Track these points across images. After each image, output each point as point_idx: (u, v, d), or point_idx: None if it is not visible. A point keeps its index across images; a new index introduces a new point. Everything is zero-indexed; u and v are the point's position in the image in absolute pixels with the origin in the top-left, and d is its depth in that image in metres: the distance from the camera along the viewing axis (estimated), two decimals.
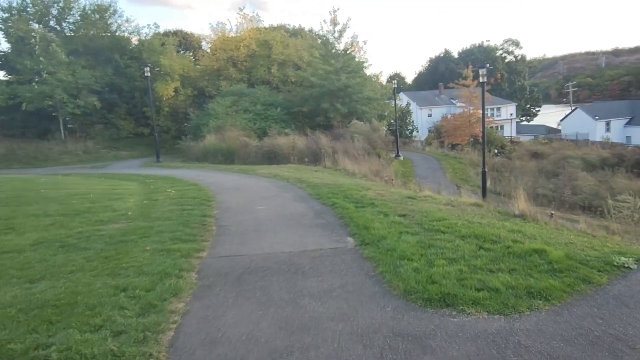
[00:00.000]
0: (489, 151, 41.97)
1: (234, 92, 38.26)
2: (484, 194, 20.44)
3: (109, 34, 40.36)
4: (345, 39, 37.95)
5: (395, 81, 38.20)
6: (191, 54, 48.07)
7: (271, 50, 42.37)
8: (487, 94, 47.71)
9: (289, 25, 54.48)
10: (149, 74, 29.63)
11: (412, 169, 32.06)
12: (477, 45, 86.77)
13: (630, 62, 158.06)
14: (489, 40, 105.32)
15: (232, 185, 15.47)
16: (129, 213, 10.62)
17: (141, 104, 40.85)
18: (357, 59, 37.94)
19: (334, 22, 37.11)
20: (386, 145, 32.64)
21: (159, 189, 14.68)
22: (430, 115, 65.58)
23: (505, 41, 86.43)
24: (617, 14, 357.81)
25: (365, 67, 37.66)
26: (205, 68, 43.54)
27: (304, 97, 37.18)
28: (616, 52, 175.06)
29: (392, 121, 42.21)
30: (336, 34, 37.46)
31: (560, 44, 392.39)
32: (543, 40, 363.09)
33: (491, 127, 49.28)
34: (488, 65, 70.33)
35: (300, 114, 37.58)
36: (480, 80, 20.96)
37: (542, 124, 79.87)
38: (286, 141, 26.24)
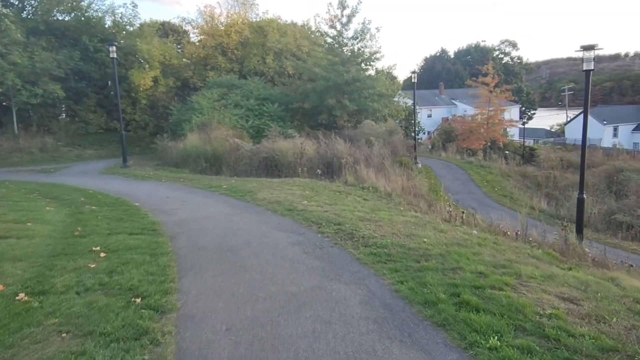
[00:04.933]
0: (505, 158, 35.26)
1: (222, 83, 30.88)
2: (579, 229, 13.53)
3: (77, 12, 32.48)
4: (355, 25, 30.75)
5: (415, 74, 31.07)
6: (174, 38, 40.24)
7: (266, 37, 34.95)
8: (495, 97, 41.34)
9: (285, 20, 47.12)
10: (114, 55, 22.09)
11: (437, 180, 25.07)
12: (473, 45, 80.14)
13: (610, 68, 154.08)
14: (484, 41, 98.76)
15: (222, 236, 8.19)
16: None
17: (115, 94, 32.99)
18: (368, 49, 30.75)
19: (342, 5, 29.85)
20: (408, 151, 25.63)
21: (79, 244, 7.45)
22: (430, 116, 58.78)
23: (502, 42, 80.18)
24: (598, 21, 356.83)
25: (378, 59, 30.49)
26: (190, 56, 35.99)
27: (305, 92, 29.98)
28: (597, 58, 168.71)
29: (397, 121, 35.28)
30: (344, 19, 30.23)
31: (542, 49, 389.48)
32: (526, 45, 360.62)
33: (505, 131, 42.50)
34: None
35: (300, 110, 30.39)
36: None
37: (539, 127, 73.56)
38: (291, 146, 18.96)
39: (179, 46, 40.11)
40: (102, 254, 6.82)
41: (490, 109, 37.51)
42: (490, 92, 37.43)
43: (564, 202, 20.37)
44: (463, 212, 12.09)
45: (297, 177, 17.05)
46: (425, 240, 7.38)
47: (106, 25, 33.44)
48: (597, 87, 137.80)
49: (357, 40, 30.78)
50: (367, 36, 30.51)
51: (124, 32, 33.70)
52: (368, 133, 25.26)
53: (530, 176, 27.48)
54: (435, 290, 5.07)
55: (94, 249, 7.10)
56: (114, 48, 21.87)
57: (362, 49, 30.70)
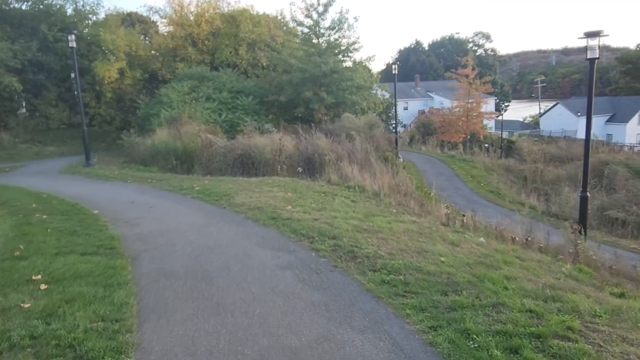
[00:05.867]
0: (486, 151, 34.46)
1: (193, 75, 29.11)
2: (584, 228, 12.44)
3: (35, 0, 30.12)
4: (332, 14, 29.28)
5: (396, 66, 29.86)
6: (141, 28, 37.98)
7: (239, 28, 33.13)
8: (475, 89, 40.53)
9: (258, 11, 45.18)
10: (74, 44, 20.20)
11: (419, 175, 23.93)
12: (447, 37, 79.44)
13: (579, 60, 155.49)
14: (458, 33, 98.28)
15: (195, 256, 6.71)
16: None
17: (76, 87, 30.76)
18: (346, 39, 29.35)
19: None
20: (390, 145, 24.42)
21: (16, 269, 5.92)
22: (406, 109, 57.78)
23: (476, 34, 79.82)
24: (566, 14, 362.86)
25: (357, 49, 29.13)
26: (158, 47, 33.97)
27: (281, 84, 28.45)
28: (565, 51, 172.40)
29: (375, 114, 34.03)
30: (320, 8, 28.73)
31: (512, 41, 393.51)
32: (496, 37, 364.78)
33: (485, 125, 41.71)
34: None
35: (276, 104, 28.86)
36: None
37: (513, 119, 73.45)
38: (269, 142, 17.47)
39: (146, 37, 37.99)
40: (43, 286, 5.36)
41: (470, 100, 36.58)
42: (470, 84, 36.51)
43: (554, 198, 19.46)
44: (464, 215, 10.90)
45: (276, 176, 15.61)
46: (442, 259, 6.09)
47: (67, 14, 31.17)
48: (565, 80, 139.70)
49: (335, 30, 29.33)
50: (345, 26, 29.09)
51: (87, 21, 31.54)
52: (348, 127, 23.94)
53: (513, 170, 26.61)
54: (485, 343, 3.76)
55: (34, 277, 5.63)
56: (73, 37, 20.01)
57: (340, 39, 29.30)
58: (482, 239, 9.28)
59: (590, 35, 12.41)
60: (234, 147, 18.22)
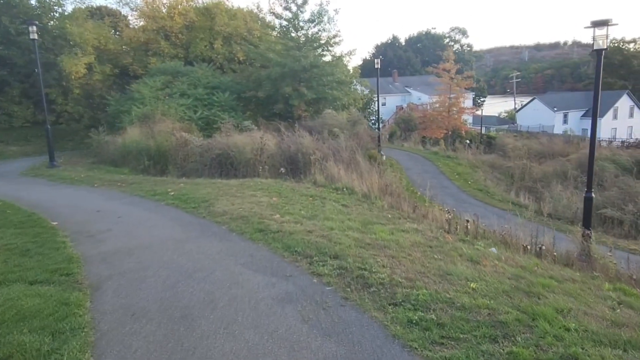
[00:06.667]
0: (469, 147, 33.76)
1: (166, 70, 27.62)
2: (586, 225, 11.56)
3: None
4: (312, 6, 28.20)
5: (378, 60, 28.85)
6: (110, 20, 36.04)
7: (214, 21, 31.68)
8: (456, 84, 39.72)
9: (233, 5, 43.52)
10: (35, 36, 18.57)
11: (404, 173, 22.96)
12: (424, 32, 78.77)
13: (550, 56, 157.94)
14: (435, 28, 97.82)
15: (172, 285, 5.42)
16: None
17: (39, 82, 28.87)
18: (326, 33, 28.22)
19: None
20: (373, 142, 23.38)
21: None
22: (384, 104, 56.73)
23: (452, 29, 79.33)
24: (538, 11, 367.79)
25: (337, 43, 28.03)
26: (129, 41, 32.25)
27: (259, 79, 27.20)
28: (538, 47, 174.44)
29: (355, 109, 32.99)
30: (299, 0, 27.51)
31: (486, 37, 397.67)
32: (471, 33, 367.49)
33: (465, 120, 41.02)
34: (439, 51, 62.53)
35: (254, 100, 27.58)
36: None
37: (490, 114, 73.36)
38: (249, 140, 16.20)
39: (117, 31, 36.13)
40: None
41: (452, 95, 35.80)
42: (452, 79, 35.73)
43: (546, 196, 18.70)
44: (467, 222, 9.90)
45: (258, 178, 14.41)
46: (472, 285, 5.03)
47: (31, 5, 29.23)
48: (538, 75, 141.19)
49: (314, 23, 28.21)
50: (325, 19, 28.00)
51: (52, 14, 29.66)
52: (330, 124, 22.86)
53: (498, 167, 25.88)
54: None
55: None
56: (34, 28, 18.41)
57: (320, 33, 28.17)
58: (493, 249, 8.32)
59: (598, 24, 11.47)
60: (212, 146, 16.93)
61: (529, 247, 8.98)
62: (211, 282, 5.44)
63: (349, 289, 4.98)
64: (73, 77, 27.74)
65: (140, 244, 7.17)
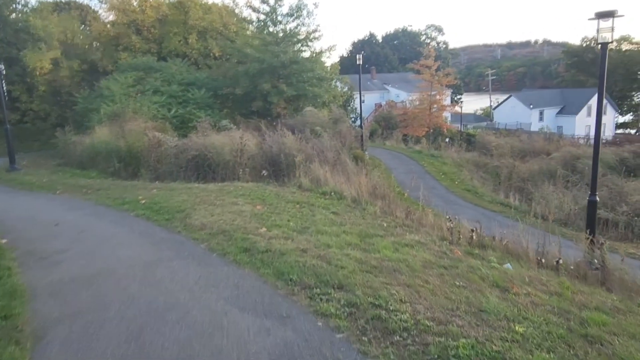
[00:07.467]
0: (452, 145, 33.08)
1: (138, 66, 26.14)
2: (593, 235, 10.74)
3: None
4: (290, 0, 26.96)
5: (360, 56, 27.86)
6: (77, 13, 34.16)
7: (188, 14, 30.22)
8: (438, 81, 39.01)
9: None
10: None
11: (389, 173, 22.01)
12: (400, 29, 78.11)
13: (522, 54, 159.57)
14: (411, 25, 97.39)
15: (138, 332, 4.22)
16: None
17: (5, 79, 27.08)
18: (305, 27, 27.08)
19: None
20: (358, 142, 22.37)
21: None
22: (363, 102, 55.93)
23: (428, 27, 78.88)
24: (510, 10, 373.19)
25: (317, 38, 26.92)
26: (98, 35, 30.55)
27: (236, 76, 25.91)
28: (510, 45, 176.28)
29: (336, 107, 31.94)
30: None
31: (460, 35, 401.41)
32: (446, 31, 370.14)
33: (445, 117, 40.35)
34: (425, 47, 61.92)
35: (231, 97, 26.28)
36: None
37: (467, 112, 73.29)
38: (227, 141, 14.96)
39: (85, 26, 34.29)
40: None
41: (433, 92, 35.03)
42: (433, 75, 34.97)
43: (536, 197, 17.94)
44: (473, 231, 8.94)
45: (238, 181, 13.24)
46: (517, 329, 4.01)
47: None
48: (511, 73, 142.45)
49: (293, 17, 27.02)
50: (304, 13, 26.83)
51: (14, 6, 27.86)
52: (312, 122, 21.75)
53: (483, 165, 25.12)
54: None
55: None
56: None
57: (299, 28, 27.01)
58: (508, 265, 7.38)
59: (602, 15, 10.58)
60: (187, 146, 15.63)
61: (543, 260, 8.08)
62: (188, 326, 4.30)
63: (365, 338, 3.89)
64: (38, 73, 26.10)
65: (101, 269, 5.96)
